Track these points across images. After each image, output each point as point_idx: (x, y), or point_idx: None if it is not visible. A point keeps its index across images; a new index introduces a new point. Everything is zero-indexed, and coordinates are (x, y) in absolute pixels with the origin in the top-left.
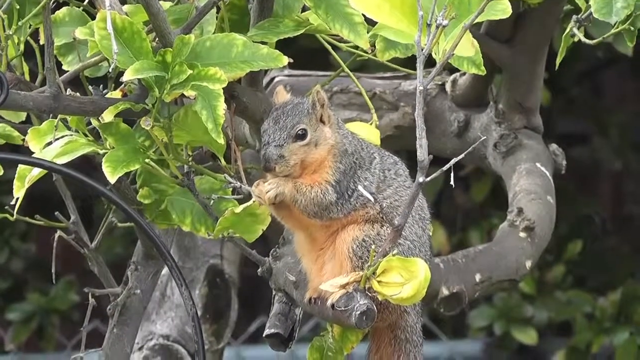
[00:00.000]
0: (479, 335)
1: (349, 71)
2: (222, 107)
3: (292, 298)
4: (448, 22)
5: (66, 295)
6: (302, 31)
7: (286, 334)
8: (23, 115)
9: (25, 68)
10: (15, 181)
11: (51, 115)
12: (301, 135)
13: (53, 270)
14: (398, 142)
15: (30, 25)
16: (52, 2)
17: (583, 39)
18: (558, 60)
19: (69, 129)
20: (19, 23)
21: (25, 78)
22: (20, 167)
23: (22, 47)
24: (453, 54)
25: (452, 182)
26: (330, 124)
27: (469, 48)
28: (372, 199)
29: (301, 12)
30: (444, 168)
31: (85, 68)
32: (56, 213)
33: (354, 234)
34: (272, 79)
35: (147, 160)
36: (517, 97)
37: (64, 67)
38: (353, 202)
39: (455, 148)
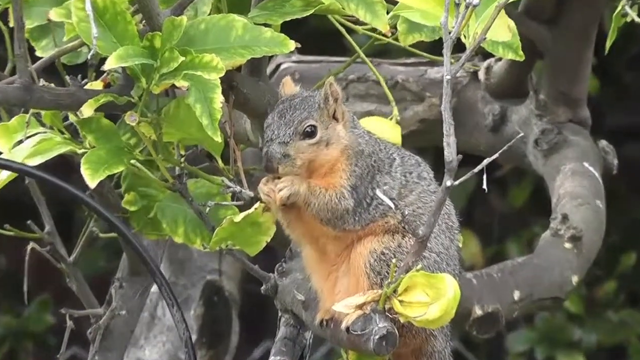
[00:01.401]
0: None
1: (365, 57)
2: (219, 99)
3: (301, 320)
4: (479, 1)
5: (40, 316)
6: (311, 11)
7: None
8: None
9: None
10: None
11: (22, 109)
12: (310, 133)
13: (25, 288)
14: (423, 138)
15: None
16: None
17: (637, 19)
18: (608, 44)
19: (42, 125)
20: None
21: None
22: None
23: None
24: (486, 38)
25: (485, 185)
26: (344, 121)
27: (504, 30)
28: (392, 206)
29: None
30: (477, 169)
31: (62, 54)
32: (28, 222)
33: (371, 247)
34: (278, 66)
35: (132, 161)
36: (561, 86)
37: (37, 54)
38: (372, 211)
39: (489, 145)
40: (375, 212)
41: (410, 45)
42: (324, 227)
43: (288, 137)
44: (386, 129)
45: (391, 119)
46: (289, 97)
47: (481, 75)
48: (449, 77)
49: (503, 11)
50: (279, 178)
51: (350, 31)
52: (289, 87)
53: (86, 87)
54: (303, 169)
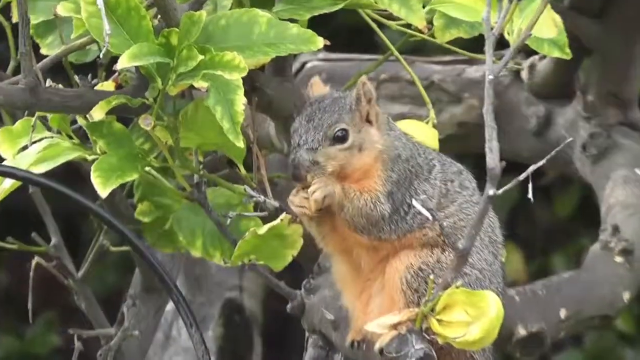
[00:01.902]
0: None
1: (398, 55)
2: (241, 101)
3: (330, 341)
4: None
5: (46, 337)
6: (341, 5)
7: None
8: None
9: None
10: None
11: (27, 112)
12: (341, 137)
13: (29, 306)
14: (461, 144)
15: None
16: None
17: None
18: None
19: (49, 129)
20: None
21: None
22: None
23: None
24: (530, 34)
25: (530, 195)
26: (378, 124)
27: (550, 26)
28: (429, 217)
29: None
30: (520, 177)
31: (70, 52)
32: (33, 234)
33: (408, 262)
34: (304, 64)
35: (147, 169)
36: (611, 86)
37: (43, 52)
38: (410, 221)
39: (533, 151)
40: (413, 222)
41: (447, 42)
42: (359, 234)
43: (317, 143)
44: (421, 133)
45: (427, 122)
46: (317, 99)
47: (524, 74)
48: (491, 76)
49: (549, 5)
50: (308, 188)
51: (382, 27)
52: (318, 87)
53: (96, 88)
54: (334, 176)
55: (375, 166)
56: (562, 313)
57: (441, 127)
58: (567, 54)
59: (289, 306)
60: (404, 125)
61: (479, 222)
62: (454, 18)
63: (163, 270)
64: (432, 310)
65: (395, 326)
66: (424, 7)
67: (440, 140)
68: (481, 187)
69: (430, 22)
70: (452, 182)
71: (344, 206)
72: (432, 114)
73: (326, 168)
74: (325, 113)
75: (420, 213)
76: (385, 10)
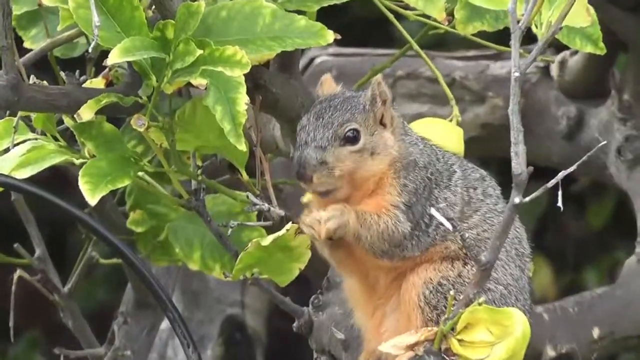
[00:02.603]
0: None
1: (418, 49)
2: (243, 100)
3: None
4: None
5: (29, 357)
6: None
7: None
8: None
9: None
10: None
11: (8, 111)
12: (352, 138)
13: (11, 324)
14: (485, 148)
15: None
16: None
17: None
18: None
19: (32, 130)
20: None
21: None
22: None
23: None
24: (561, 27)
25: (560, 203)
26: (393, 127)
27: (582, 18)
28: (449, 227)
29: None
30: (549, 184)
31: (55, 46)
32: (15, 245)
33: (426, 276)
34: (311, 60)
35: (140, 174)
36: None
37: (26, 45)
38: (432, 233)
39: (563, 155)
40: (435, 234)
41: (470, 35)
42: (380, 259)
43: (326, 141)
44: (444, 133)
45: (451, 119)
46: (327, 97)
47: (554, 71)
48: (517, 73)
49: None
50: (319, 193)
51: (399, 18)
52: (328, 85)
53: (85, 85)
54: (342, 181)
55: (388, 174)
56: (595, 333)
57: (463, 128)
58: (601, 49)
59: (295, 324)
60: (425, 125)
61: (504, 232)
62: (477, 9)
63: (157, 285)
64: (453, 329)
65: (411, 347)
66: None
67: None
68: (506, 194)
69: (451, 14)
70: (475, 189)
71: (361, 235)
72: (456, 110)
73: (334, 171)
74: (336, 111)
75: (442, 224)
76: (402, 1)
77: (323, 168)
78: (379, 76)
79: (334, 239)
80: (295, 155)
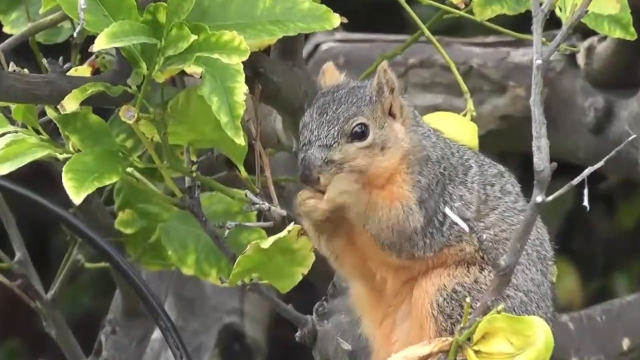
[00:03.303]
0: None
1: (430, 35)
2: (241, 90)
3: None
4: None
5: None
6: None
7: None
8: None
9: None
10: None
11: None
12: (360, 134)
13: None
14: (504, 142)
15: None
16: None
17: None
18: None
19: (12, 122)
20: None
21: None
22: None
23: None
24: (587, 11)
25: (586, 202)
26: (403, 118)
27: (610, 1)
28: (465, 227)
29: None
30: (575, 181)
31: (38, 31)
32: None
33: (440, 282)
34: (316, 47)
35: (129, 170)
36: None
37: (6, 30)
38: (446, 232)
39: (590, 150)
40: (449, 234)
41: (488, 20)
42: (387, 253)
43: (332, 139)
44: (458, 128)
45: (465, 114)
46: (331, 89)
47: (580, 59)
48: (539, 61)
49: None
50: (321, 193)
51: (411, 1)
52: (331, 75)
53: (69, 73)
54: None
55: (399, 169)
56: (625, 343)
57: (481, 121)
58: (631, 34)
59: (298, 334)
60: (436, 119)
61: (525, 234)
62: None
63: (148, 291)
64: (469, 339)
65: (424, 359)
66: None
67: (479, 137)
68: (527, 192)
69: None
70: (492, 186)
71: (369, 217)
72: (470, 104)
73: (343, 168)
74: (342, 105)
75: (456, 223)
76: None
77: (330, 167)
78: (384, 63)
79: (335, 215)
80: (300, 155)
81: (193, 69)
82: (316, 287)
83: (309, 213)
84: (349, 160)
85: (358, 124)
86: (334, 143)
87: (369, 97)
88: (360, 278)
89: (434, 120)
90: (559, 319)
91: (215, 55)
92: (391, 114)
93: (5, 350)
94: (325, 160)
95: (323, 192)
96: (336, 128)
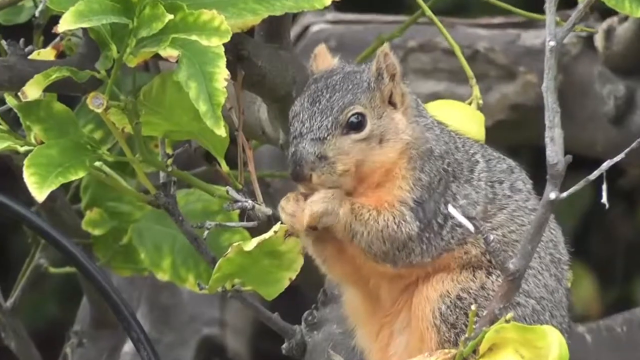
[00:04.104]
0: None
1: (432, 15)
2: (222, 76)
3: None
4: None
5: None
6: None
7: None
8: None
9: None
10: None
11: None
12: (356, 124)
13: None
14: (514, 133)
15: None
16: None
17: None
18: None
19: None
20: None
21: None
22: None
23: None
24: None
25: (604, 199)
26: (404, 107)
27: None
28: (470, 227)
29: None
30: (592, 176)
31: None
32: None
33: (442, 288)
34: (306, 28)
35: (97, 164)
36: None
37: None
38: (447, 236)
39: (610, 142)
40: (450, 237)
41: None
42: (379, 264)
43: (325, 131)
44: (463, 118)
45: (470, 103)
46: (324, 74)
47: (598, 42)
48: (553, 43)
49: None
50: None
51: None
52: (323, 59)
53: (31, 57)
54: (347, 177)
55: (399, 164)
56: None
57: (488, 110)
58: None
59: (285, 346)
60: (439, 108)
61: (537, 235)
62: None
63: (119, 299)
64: (474, 351)
65: None
66: None
67: (486, 129)
68: (539, 189)
69: None
70: (501, 183)
71: (356, 232)
72: (476, 91)
73: (336, 165)
74: (336, 92)
75: (459, 225)
76: None
77: (323, 164)
78: (385, 46)
79: (318, 228)
80: (290, 150)
81: (168, 52)
82: (305, 293)
83: (293, 227)
84: (344, 154)
85: (354, 114)
86: (327, 135)
87: (367, 83)
88: (352, 284)
89: (435, 109)
90: (574, 329)
91: (193, 37)
92: (391, 102)
93: None
94: (318, 156)
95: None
96: (330, 118)
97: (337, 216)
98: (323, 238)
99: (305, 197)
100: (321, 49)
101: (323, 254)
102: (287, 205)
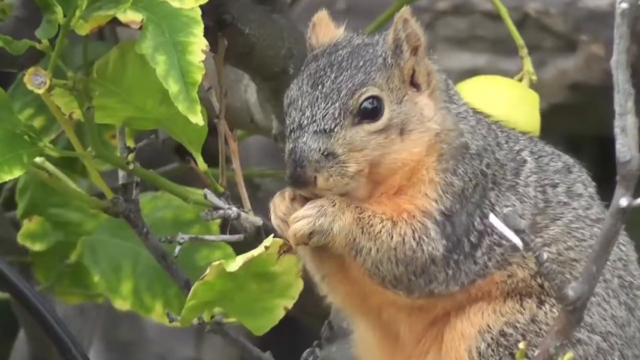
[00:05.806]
0: None
1: None
2: (199, 47)
3: None
4: None
5: None
6: None
7: None
8: None
9: None
10: None
11: None
12: (371, 111)
13: None
14: (575, 121)
15: None
16: None
17: None
18: None
19: None
20: None
21: None
22: None
23: None
24: None
25: None
26: (431, 89)
27: None
28: (519, 243)
29: None
30: None
31: None
32: None
33: (482, 322)
34: None
35: (38, 160)
36: None
37: None
38: (482, 258)
39: None
40: (487, 259)
41: None
42: (390, 290)
43: (331, 121)
44: (509, 101)
45: (520, 78)
46: (327, 49)
47: None
48: (625, 5)
49: None
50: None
51: None
52: (325, 28)
53: None
54: (359, 179)
55: (427, 163)
56: None
57: (541, 91)
58: None
59: None
60: (477, 87)
61: (603, 252)
62: None
63: (66, 334)
64: None
65: None
66: None
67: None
68: (605, 194)
69: None
70: (555, 186)
71: (361, 248)
72: (528, 65)
73: (347, 166)
74: (343, 72)
75: (499, 243)
76: None
77: (330, 163)
78: (404, 9)
79: (309, 245)
80: (287, 147)
81: (129, 16)
82: (305, 327)
83: (279, 230)
84: (357, 151)
85: (367, 98)
86: (334, 126)
87: (382, 59)
88: (363, 315)
89: (473, 88)
90: None
91: None
92: (413, 83)
93: None
94: (324, 153)
95: (320, 197)
96: (337, 104)
97: (328, 234)
98: (324, 253)
99: (306, 197)
100: (322, 17)
101: (322, 269)
102: (280, 205)
